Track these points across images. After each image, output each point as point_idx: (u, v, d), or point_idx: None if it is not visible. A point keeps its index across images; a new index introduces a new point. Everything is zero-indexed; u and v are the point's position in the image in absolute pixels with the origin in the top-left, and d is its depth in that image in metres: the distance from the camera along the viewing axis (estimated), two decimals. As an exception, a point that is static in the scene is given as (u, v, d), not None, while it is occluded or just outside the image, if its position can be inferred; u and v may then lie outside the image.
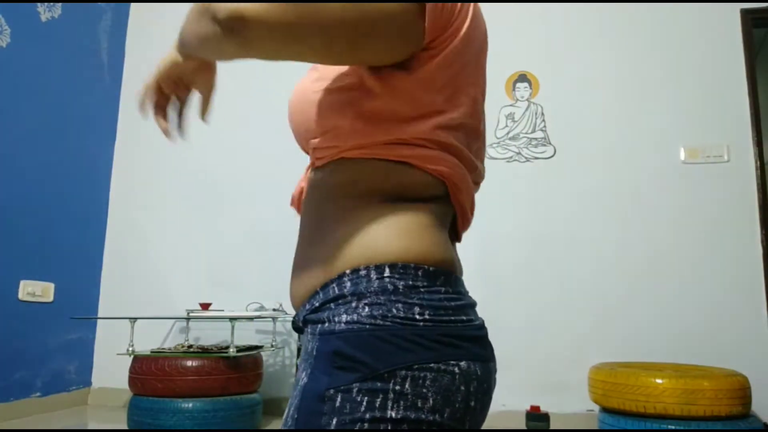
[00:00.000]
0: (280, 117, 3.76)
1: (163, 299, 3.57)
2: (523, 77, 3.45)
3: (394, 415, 0.58)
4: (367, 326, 0.60)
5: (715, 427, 2.28)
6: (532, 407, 2.88)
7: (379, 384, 0.58)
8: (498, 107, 3.44)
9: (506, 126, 3.42)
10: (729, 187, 3.09)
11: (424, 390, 0.59)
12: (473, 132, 0.71)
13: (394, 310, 0.60)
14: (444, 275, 0.64)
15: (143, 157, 3.87)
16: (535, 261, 3.22)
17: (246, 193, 3.66)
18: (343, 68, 0.68)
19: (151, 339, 3.41)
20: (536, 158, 3.35)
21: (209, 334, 3.47)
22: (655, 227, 3.14)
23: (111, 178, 3.88)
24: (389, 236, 0.64)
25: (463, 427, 0.61)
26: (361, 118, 0.66)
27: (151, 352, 2.81)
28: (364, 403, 0.58)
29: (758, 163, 3.08)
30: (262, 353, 3.08)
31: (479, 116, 0.71)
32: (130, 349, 2.73)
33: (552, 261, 3.19)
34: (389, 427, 0.58)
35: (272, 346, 3.19)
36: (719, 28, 3.24)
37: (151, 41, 4.04)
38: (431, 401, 0.59)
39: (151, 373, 2.66)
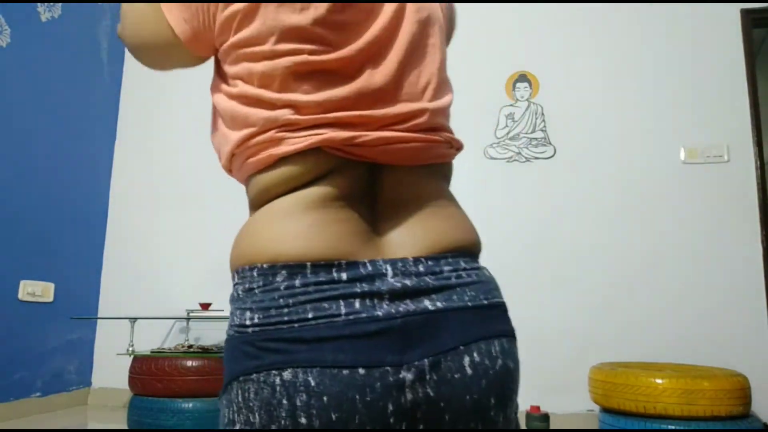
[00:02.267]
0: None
1: (163, 299, 3.56)
2: (523, 77, 3.45)
3: (238, 428, 0.54)
4: (226, 338, 0.59)
5: (715, 427, 2.28)
6: (532, 407, 2.87)
7: (224, 397, 0.57)
8: (498, 107, 3.44)
9: (506, 126, 3.43)
10: (729, 187, 3.09)
11: (251, 404, 0.54)
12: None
13: (234, 318, 0.58)
14: (288, 269, 0.56)
15: (143, 157, 3.87)
16: (535, 261, 3.22)
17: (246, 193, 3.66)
18: None
19: (151, 339, 3.41)
20: (536, 158, 3.35)
21: (209, 334, 3.47)
22: (655, 227, 3.14)
23: (111, 178, 3.88)
24: (237, 241, 0.62)
25: None
26: None
27: (151, 352, 2.81)
28: (222, 416, 0.57)
29: (758, 163, 3.08)
30: (262, 353, 3.07)
31: None
32: (130, 349, 2.73)
33: (552, 261, 3.19)
34: None
35: (272, 346, 3.18)
36: (719, 28, 3.24)
37: (151, 41, 4.04)
38: (257, 416, 0.53)
39: (151, 373, 2.66)
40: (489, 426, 0.57)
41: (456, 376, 0.55)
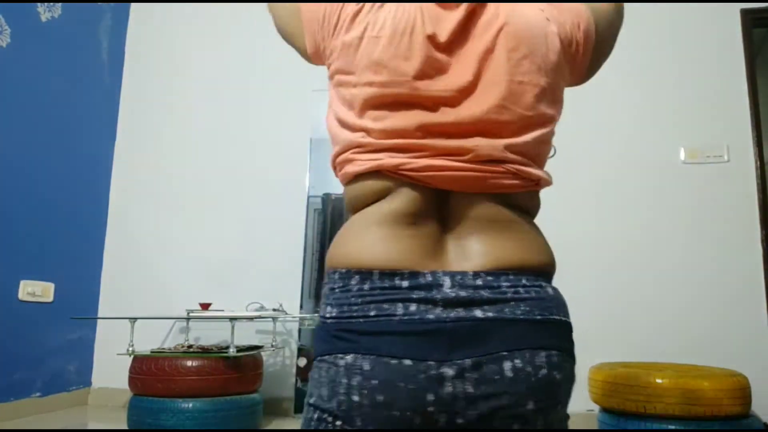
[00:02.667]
0: (280, 117, 3.77)
1: (163, 299, 3.56)
2: (523, 77, 3.44)
3: (313, 400, 0.67)
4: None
5: (715, 427, 2.28)
6: (532, 407, 2.87)
7: (310, 374, 0.69)
8: (498, 107, 3.44)
9: (506, 126, 3.42)
10: (729, 187, 3.09)
11: (322, 380, 0.65)
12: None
13: (322, 310, 0.70)
14: (361, 274, 0.67)
15: (143, 157, 3.87)
16: (535, 261, 3.21)
17: (246, 193, 3.66)
18: None
19: (151, 339, 3.41)
20: (536, 158, 3.35)
21: (209, 334, 3.47)
22: (655, 227, 3.14)
23: (111, 178, 3.88)
24: (331, 247, 0.73)
25: (352, 421, 0.62)
26: None
27: (151, 352, 2.80)
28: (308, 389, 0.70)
29: (758, 163, 3.08)
30: (262, 353, 3.08)
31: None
32: (130, 349, 2.73)
33: (552, 261, 3.19)
34: (307, 403, 0.68)
35: (272, 346, 3.19)
36: (719, 28, 3.24)
37: (151, 41, 4.04)
38: (325, 390, 0.65)
39: (151, 373, 2.66)
40: (527, 426, 0.61)
41: (496, 377, 0.61)
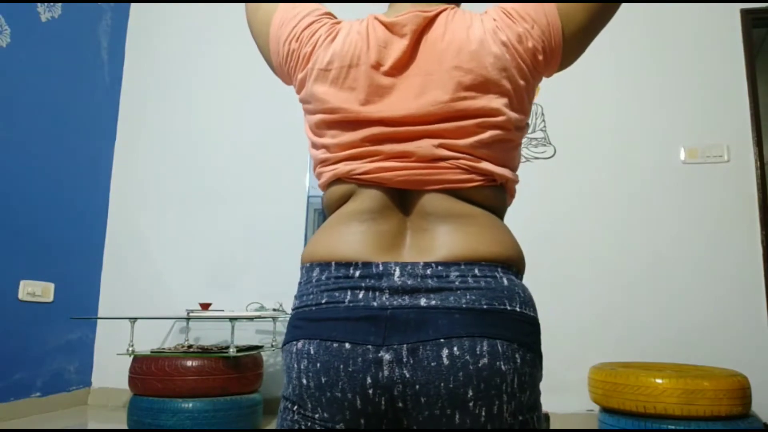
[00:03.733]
0: (280, 118, 3.77)
1: (163, 299, 3.56)
2: (523, 77, 3.44)
3: (286, 388, 0.72)
4: None
5: (715, 427, 2.28)
6: (532, 407, 2.87)
7: None
8: (498, 107, 3.44)
9: (506, 126, 3.42)
10: (729, 187, 3.09)
11: (286, 367, 0.72)
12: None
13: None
14: (320, 266, 0.72)
15: (143, 157, 3.87)
16: (534, 261, 3.19)
17: (246, 193, 3.66)
18: None
19: (151, 339, 3.41)
20: (536, 158, 3.35)
21: (209, 334, 3.47)
22: (654, 227, 3.14)
23: (111, 178, 3.88)
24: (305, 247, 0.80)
25: (305, 405, 0.67)
26: None
27: (151, 352, 2.80)
28: None
29: (758, 163, 3.08)
30: (262, 353, 3.08)
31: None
32: (130, 349, 2.73)
33: (552, 261, 3.19)
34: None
35: (272, 346, 3.19)
36: (719, 28, 3.24)
37: (151, 41, 4.04)
38: (286, 378, 0.72)
39: (151, 373, 2.66)
40: (468, 416, 0.62)
41: (432, 364, 0.62)
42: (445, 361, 0.62)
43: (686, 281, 3.04)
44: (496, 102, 0.72)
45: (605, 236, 3.19)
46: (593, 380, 2.61)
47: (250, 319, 3.14)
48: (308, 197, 3.59)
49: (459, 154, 0.73)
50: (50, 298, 3.29)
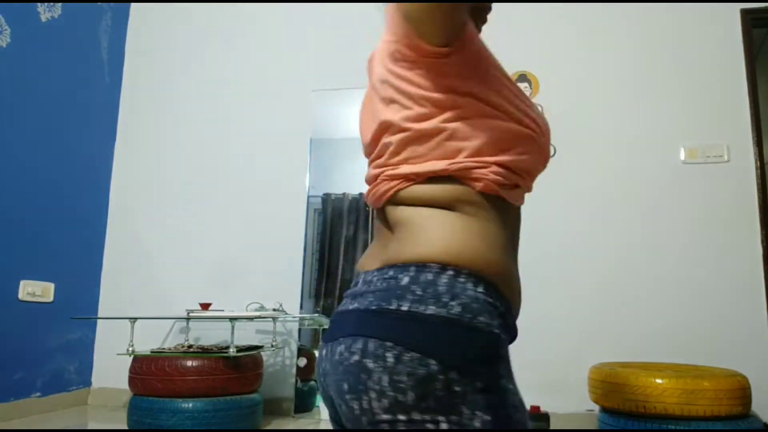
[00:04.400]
0: (280, 117, 3.76)
1: (163, 299, 3.57)
2: (523, 77, 3.45)
3: None
4: None
5: (715, 427, 2.28)
6: (532, 407, 2.87)
7: None
8: (498, 107, 3.44)
9: (506, 126, 3.42)
10: (729, 187, 3.09)
11: None
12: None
13: None
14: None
15: (143, 157, 3.87)
16: (534, 260, 3.21)
17: (246, 193, 3.66)
18: None
19: (151, 339, 3.41)
20: (536, 158, 3.34)
21: (209, 334, 3.47)
22: (654, 227, 3.14)
23: (111, 178, 3.88)
24: None
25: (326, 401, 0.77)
26: None
27: (151, 352, 2.81)
28: None
29: (758, 163, 3.08)
30: (262, 353, 3.08)
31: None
32: (130, 349, 2.73)
33: (551, 261, 3.19)
34: None
35: (272, 346, 3.19)
36: (719, 28, 3.24)
37: (151, 41, 4.04)
38: None
39: (151, 373, 2.66)
40: (347, 407, 0.68)
41: (334, 359, 0.70)
42: (336, 357, 0.69)
43: (686, 281, 3.04)
44: (385, 113, 0.81)
45: (605, 236, 3.19)
46: (593, 380, 2.61)
47: (250, 319, 3.14)
48: (308, 197, 3.59)
49: (382, 168, 0.81)
50: (50, 298, 3.29)
